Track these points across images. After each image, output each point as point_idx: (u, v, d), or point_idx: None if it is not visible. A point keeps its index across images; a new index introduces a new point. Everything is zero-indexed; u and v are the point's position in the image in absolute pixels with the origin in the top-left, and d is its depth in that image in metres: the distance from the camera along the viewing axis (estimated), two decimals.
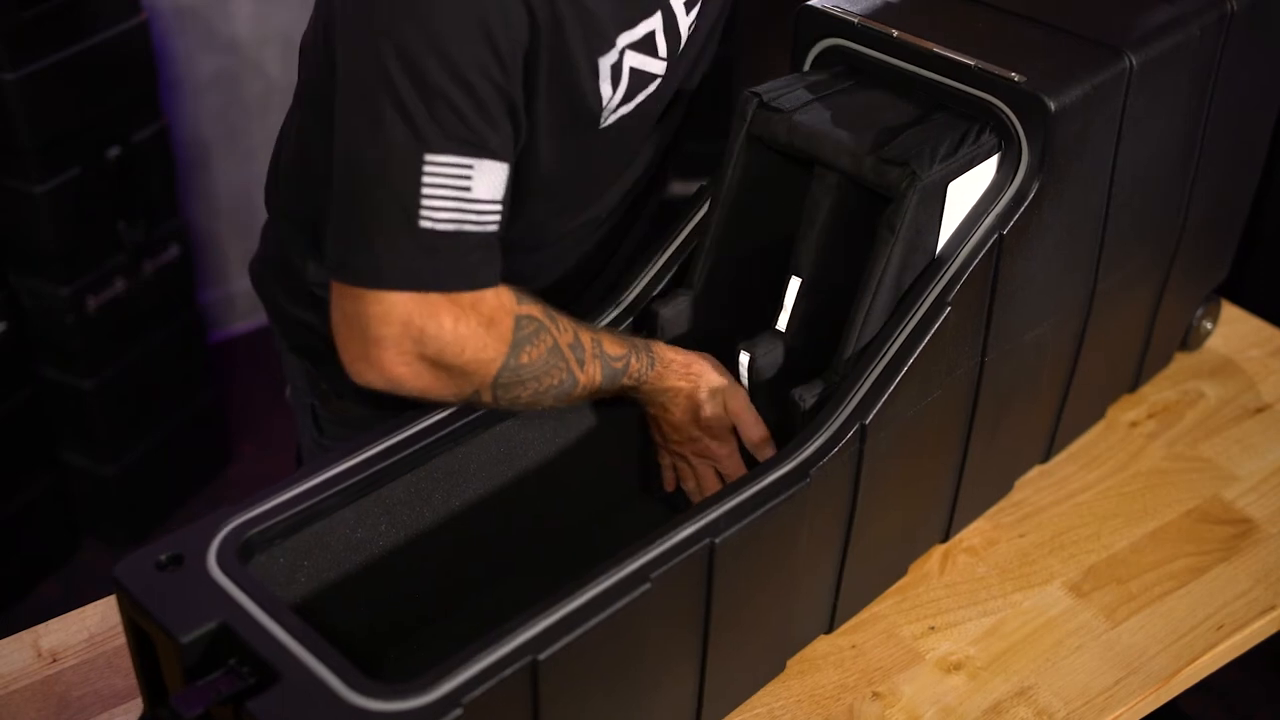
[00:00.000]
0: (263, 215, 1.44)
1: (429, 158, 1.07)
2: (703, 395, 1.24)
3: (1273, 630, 1.35)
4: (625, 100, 1.21)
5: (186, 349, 2.62)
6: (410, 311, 1.09)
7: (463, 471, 1.17)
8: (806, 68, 1.32)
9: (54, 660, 1.23)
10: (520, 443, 1.22)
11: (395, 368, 1.10)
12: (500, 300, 1.13)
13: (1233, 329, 1.69)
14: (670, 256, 1.32)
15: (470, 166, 1.08)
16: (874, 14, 1.27)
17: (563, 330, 1.17)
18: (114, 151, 2.34)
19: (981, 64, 1.19)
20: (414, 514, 1.15)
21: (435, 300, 1.09)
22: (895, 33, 1.24)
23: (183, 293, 2.57)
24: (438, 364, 1.11)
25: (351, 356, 1.12)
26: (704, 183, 1.33)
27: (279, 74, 2.91)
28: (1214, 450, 1.51)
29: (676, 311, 1.28)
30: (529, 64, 1.11)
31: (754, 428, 1.26)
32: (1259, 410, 1.57)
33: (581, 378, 1.18)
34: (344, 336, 1.12)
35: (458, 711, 0.89)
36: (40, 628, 1.26)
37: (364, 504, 1.11)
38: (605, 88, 1.18)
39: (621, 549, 1.02)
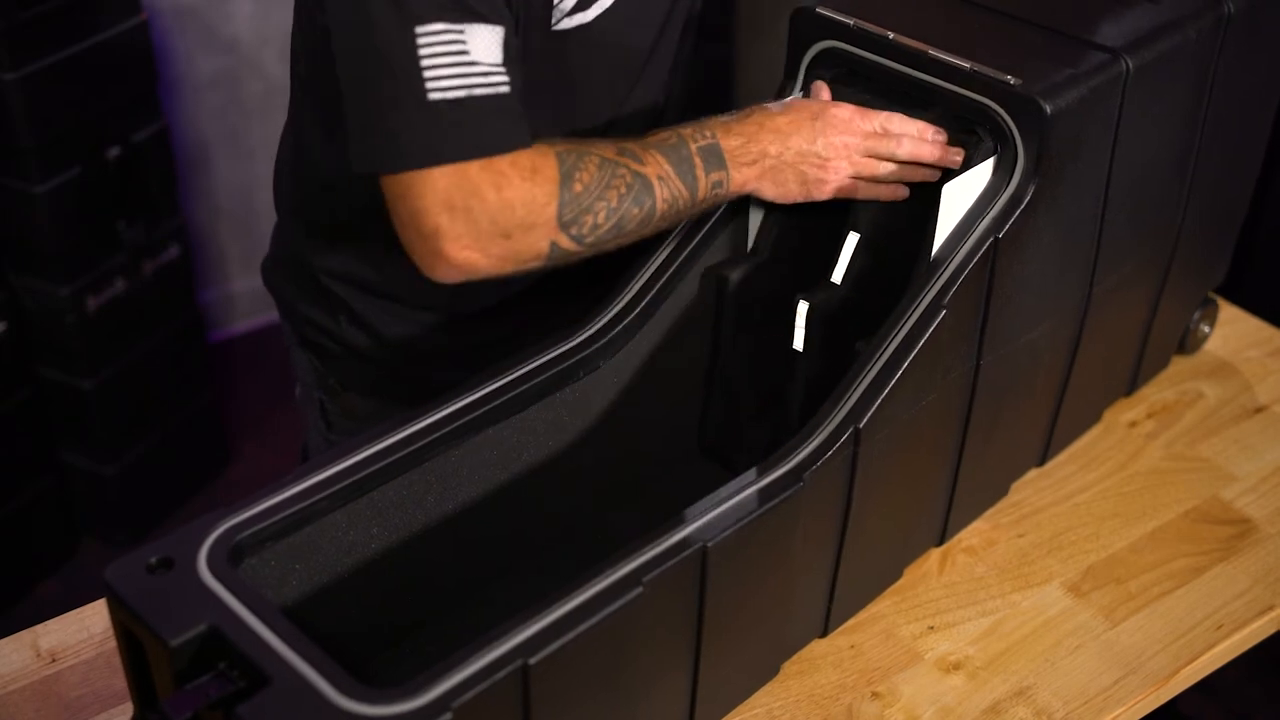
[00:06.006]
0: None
1: (419, 30, 1.07)
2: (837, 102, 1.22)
3: (1272, 630, 1.34)
4: (579, 5, 1.20)
5: (186, 349, 2.62)
6: (450, 192, 1.08)
7: (455, 475, 1.17)
8: (803, 69, 1.31)
9: (53, 660, 1.23)
10: (513, 446, 1.21)
11: (461, 253, 1.10)
12: (536, 150, 1.12)
13: (1231, 329, 1.68)
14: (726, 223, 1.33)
15: (461, 30, 1.09)
16: (870, 17, 1.26)
17: (603, 146, 1.16)
18: (114, 151, 2.34)
19: (977, 67, 1.19)
20: (406, 517, 1.14)
21: (470, 171, 1.09)
22: (891, 35, 1.24)
23: (183, 293, 2.58)
24: (497, 233, 1.10)
25: (421, 260, 1.12)
26: None
27: (279, 74, 2.91)
28: (1213, 450, 1.51)
29: (742, 276, 1.29)
30: None
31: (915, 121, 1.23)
32: (1257, 410, 1.57)
33: (649, 169, 1.15)
34: (408, 243, 1.12)
35: (447, 716, 0.89)
36: (39, 628, 1.26)
37: (356, 507, 1.10)
38: None
39: (614, 553, 1.01)
